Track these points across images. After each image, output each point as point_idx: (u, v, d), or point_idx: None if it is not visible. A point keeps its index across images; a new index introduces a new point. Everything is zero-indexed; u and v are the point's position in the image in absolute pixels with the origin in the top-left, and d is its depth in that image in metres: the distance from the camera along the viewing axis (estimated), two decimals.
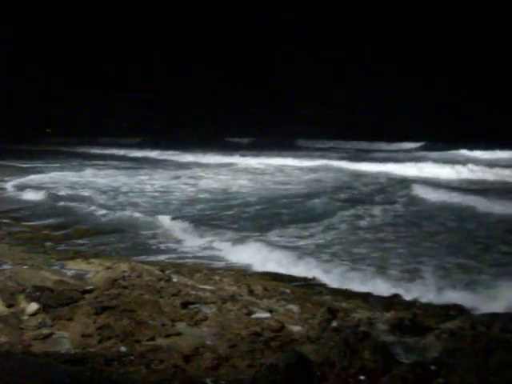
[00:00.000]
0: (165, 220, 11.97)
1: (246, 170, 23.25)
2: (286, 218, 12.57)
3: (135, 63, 59.56)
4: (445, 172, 20.42)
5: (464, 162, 22.55)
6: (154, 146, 36.77)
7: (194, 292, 6.82)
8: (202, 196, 16.37)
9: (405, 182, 18.13)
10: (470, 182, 18.87)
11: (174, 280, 7.39)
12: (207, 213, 13.38)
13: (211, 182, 19.96)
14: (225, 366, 4.64)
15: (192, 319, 5.86)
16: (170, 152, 32.74)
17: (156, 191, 17.44)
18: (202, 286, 7.14)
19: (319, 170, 23.20)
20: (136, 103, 56.29)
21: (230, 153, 30.33)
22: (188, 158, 30.59)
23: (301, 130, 44.90)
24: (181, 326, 5.67)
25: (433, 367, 4.78)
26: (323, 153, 31.66)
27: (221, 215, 12.96)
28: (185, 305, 6.29)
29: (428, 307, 6.79)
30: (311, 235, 10.56)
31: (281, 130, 45.91)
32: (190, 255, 9.41)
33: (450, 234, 10.54)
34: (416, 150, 33.79)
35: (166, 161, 29.98)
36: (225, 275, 7.84)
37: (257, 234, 10.66)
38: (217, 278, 7.65)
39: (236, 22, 58.03)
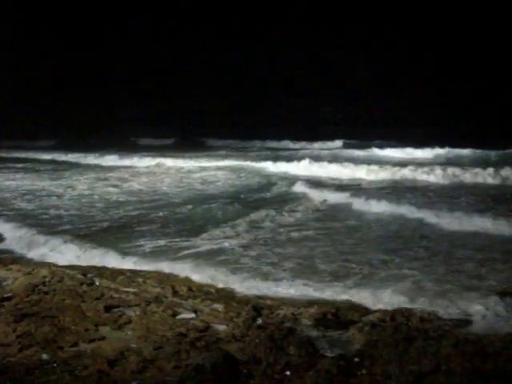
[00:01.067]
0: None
1: (139, 173, 22.14)
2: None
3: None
4: (344, 172, 20.00)
5: (369, 161, 22.94)
6: (70, 148, 35.05)
7: (117, 295, 6.73)
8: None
9: (292, 181, 17.73)
10: (367, 181, 18.65)
11: (97, 283, 7.26)
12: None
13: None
14: (150, 368, 4.61)
15: (116, 323, 5.78)
16: (78, 155, 30.73)
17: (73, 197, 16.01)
18: (125, 289, 7.04)
19: (224, 169, 22.57)
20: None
21: (138, 154, 28.59)
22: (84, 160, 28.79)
23: (212, 131, 44.25)
24: (104, 330, 5.59)
25: (356, 359, 4.90)
26: (234, 153, 31.22)
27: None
28: (108, 308, 6.19)
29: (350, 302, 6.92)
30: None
31: (189, 130, 45.12)
32: None
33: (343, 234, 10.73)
34: (338, 148, 34.19)
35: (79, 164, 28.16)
36: (148, 277, 7.76)
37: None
38: (140, 279, 7.57)
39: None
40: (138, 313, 6.09)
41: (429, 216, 11.59)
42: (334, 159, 24.60)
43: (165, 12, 52.62)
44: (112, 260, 8.79)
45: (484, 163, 21.05)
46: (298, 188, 16.29)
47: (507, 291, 7.13)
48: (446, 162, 22.27)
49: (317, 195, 14.99)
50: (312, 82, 46.17)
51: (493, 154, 25.00)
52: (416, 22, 46.11)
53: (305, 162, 21.97)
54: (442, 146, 27.12)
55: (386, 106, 41.74)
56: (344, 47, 45.97)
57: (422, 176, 18.40)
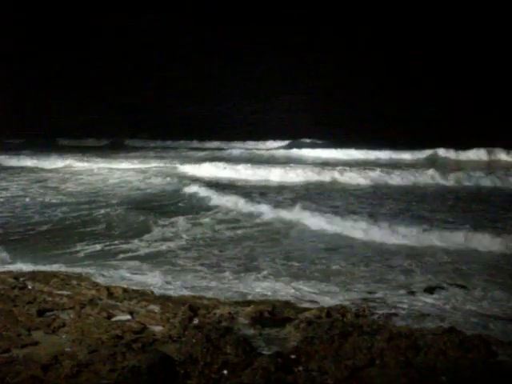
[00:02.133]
0: None
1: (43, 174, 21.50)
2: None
3: None
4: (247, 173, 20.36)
5: (298, 162, 23.30)
6: None
7: (50, 298, 6.59)
8: None
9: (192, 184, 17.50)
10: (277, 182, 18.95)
11: (29, 287, 7.09)
12: None
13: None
14: (85, 372, 4.53)
15: (49, 327, 5.65)
16: None
17: None
18: (59, 292, 6.90)
19: (136, 171, 22.06)
20: None
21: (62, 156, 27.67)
22: None
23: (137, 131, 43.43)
24: (38, 335, 5.46)
25: (293, 356, 4.94)
26: (158, 154, 30.86)
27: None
28: (41, 312, 6.05)
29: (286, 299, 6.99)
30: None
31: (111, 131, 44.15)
32: None
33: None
34: (275, 148, 34.32)
35: None
36: (82, 279, 7.63)
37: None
38: (74, 282, 7.43)
39: None
40: (72, 316, 5.97)
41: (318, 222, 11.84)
42: (261, 160, 25.12)
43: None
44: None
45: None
46: (194, 190, 16.20)
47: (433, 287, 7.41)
48: (376, 164, 22.94)
49: (217, 198, 14.90)
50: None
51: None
52: (354, 22, 46.86)
53: (219, 164, 22.08)
54: (394, 148, 27.60)
55: (350, 107, 42.10)
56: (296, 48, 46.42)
57: (344, 178, 18.76)
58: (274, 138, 36.81)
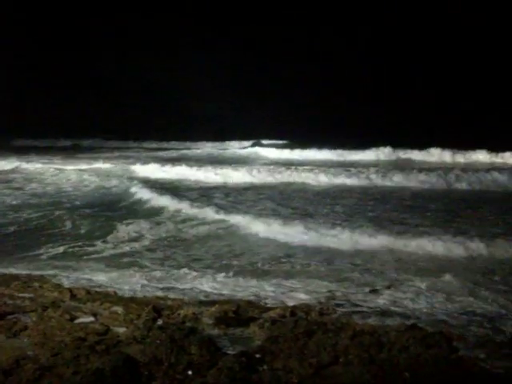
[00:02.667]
0: None
1: None
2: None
3: None
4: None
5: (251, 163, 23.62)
6: None
7: (11, 301, 6.49)
8: None
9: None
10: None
11: None
12: None
13: None
14: (48, 375, 4.46)
15: (10, 330, 5.56)
16: None
17: None
18: (20, 295, 6.80)
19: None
20: None
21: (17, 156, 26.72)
22: None
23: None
24: None
25: (257, 355, 4.96)
26: (110, 154, 30.50)
27: None
28: (2, 315, 5.95)
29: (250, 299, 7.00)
30: None
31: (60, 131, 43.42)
32: None
33: None
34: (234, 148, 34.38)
35: None
36: (45, 281, 7.53)
37: None
38: (36, 284, 7.33)
39: None
40: (34, 319, 5.89)
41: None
42: (222, 161, 25.31)
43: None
44: None
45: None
46: (141, 192, 15.81)
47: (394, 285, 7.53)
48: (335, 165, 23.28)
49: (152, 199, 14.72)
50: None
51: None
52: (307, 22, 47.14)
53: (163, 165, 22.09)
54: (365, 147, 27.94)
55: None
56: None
57: (300, 179, 18.89)
58: (241, 138, 36.94)
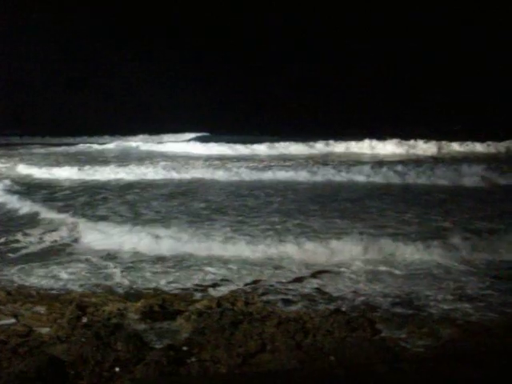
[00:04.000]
0: None
1: None
2: None
3: None
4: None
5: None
6: None
7: None
8: None
9: None
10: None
11: None
12: None
13: None
14: None
15: None
16: None
17: None
18: None
19: None
20: None
21: None
22: None
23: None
24: None
25: (185, 348, 4.97)
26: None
27: None
28: None
29: (175, 291, 6.97)
30: None
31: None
32: None
33: None
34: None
35: None
36: None
37: None
38: None
39: None
40: None
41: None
42: (125, 158, 24.71)
43: None
44: None
45: None
46: None
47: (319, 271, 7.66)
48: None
49: None
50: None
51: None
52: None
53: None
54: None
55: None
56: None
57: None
58: (188, 131, 36.56)
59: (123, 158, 24.46)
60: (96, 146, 31.30)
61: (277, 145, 27.86)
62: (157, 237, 9.13)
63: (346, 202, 12.73)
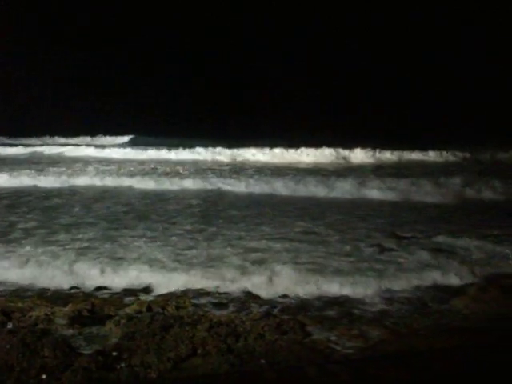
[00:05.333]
0: None
1: None
2: None
3: None
4: None
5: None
6: None
7: None
8: None
9: None
10: None
11: None
12: None
13: None
14: None
15: None
16: None
17: None
18: None
19: None
20: None
21: None
22: None
23: None
24: None
25: (114, 353, 4.89)
26: None
27: None
28: None
29: (106, 296, 6.86)
30: None
31: None
32: None
33: None
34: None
35: None
36: None
37: None
38: None
39: None
40: None
41: None
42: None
43: None
44: None
45: None
46: None
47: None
48: None
49: None
50: None
51: None
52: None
53: None
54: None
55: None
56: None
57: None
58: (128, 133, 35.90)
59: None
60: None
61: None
62: None
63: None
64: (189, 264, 7.95)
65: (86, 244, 9.13)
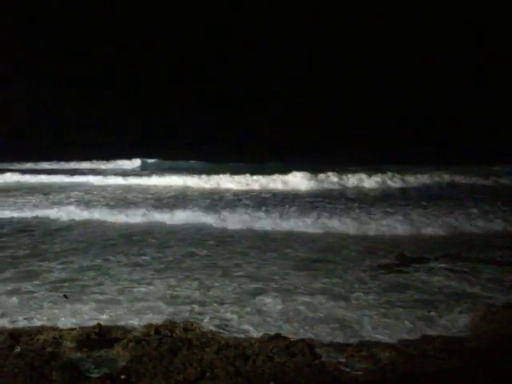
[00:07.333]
0: None
1: None
2: None
3: None
4: None
5: None
6: None
7: None
8: None
9: None
10: None
11: None
12: None
13: None
14: None
15: None
16: None
17: None
18: None
19: None
20: None
21: None
22: None
23: None
24: None
25: (123, 376, 4.88)
26: None
27: None
28: None
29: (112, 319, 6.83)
30: None
31: None
32: None
33: None
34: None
35: None
36: None
37: None
38: None
39: None
40: None
41: None
42: None
43: None
44: None
45: None
46: None
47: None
48: None
49: None
50: None
51: None
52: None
53: None
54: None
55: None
56: None
57: None
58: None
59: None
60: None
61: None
62: None
63: None
64: None
65: None
